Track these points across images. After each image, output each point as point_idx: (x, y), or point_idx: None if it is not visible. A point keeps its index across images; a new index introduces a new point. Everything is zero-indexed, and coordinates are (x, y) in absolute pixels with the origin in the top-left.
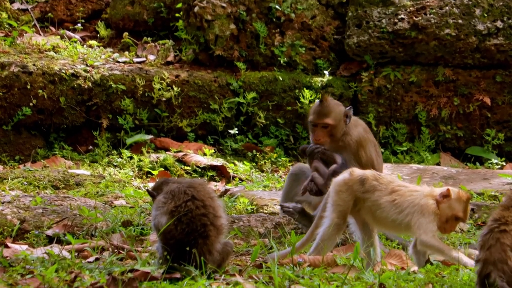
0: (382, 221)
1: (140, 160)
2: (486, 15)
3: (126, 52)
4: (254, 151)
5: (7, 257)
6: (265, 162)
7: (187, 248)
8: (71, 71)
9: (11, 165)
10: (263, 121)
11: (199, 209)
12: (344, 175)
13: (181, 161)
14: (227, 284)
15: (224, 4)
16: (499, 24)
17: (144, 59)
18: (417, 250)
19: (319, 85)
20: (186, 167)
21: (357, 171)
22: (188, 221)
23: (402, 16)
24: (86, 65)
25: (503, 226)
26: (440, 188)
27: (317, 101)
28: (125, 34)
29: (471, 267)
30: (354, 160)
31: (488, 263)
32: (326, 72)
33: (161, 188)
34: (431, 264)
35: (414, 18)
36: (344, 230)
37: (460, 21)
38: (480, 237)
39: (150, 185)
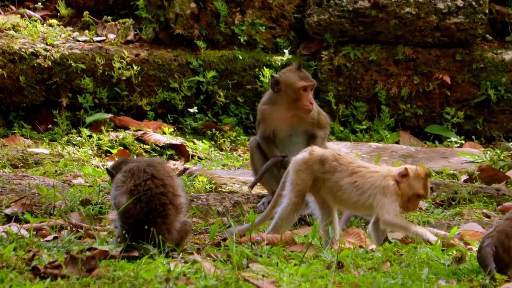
0: (343, 202)
1: (99, 139)
2: None
3: (86, 31)
4: (213, 129)
5: None
6: (224, 141)
7: (146, 227)
8: (31, 50)
9: None
10: (223, 99)
11: (158, 188)
12: (303, 154)
13: (140, 139)
14: (185, 262)
15: None
16: (459, 2)
17: (104, 38)
18: (376, 228)
19: (279, 63)
20: (145, 146)
21: (317, 151)
22: (148, 200)
23: None
24: (46, 44)
25: None
26: (398, 168)
27: (290, 68)
28: (86, 13)
29: (434, 242)
30: (318, 127)
31: (496, 229)
32: (286, 51)
33: (120, 167)
34: (389, 242)
35: None
36: (302, 208)
37: None
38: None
39: (109, 163)
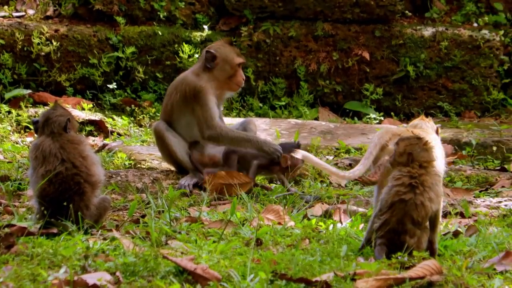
0: None
1: (18, 115)
2: None
3: (6, 7)
4: (132, 105)
5: None
6: (143, 117)
7: (65, 203)
8: None
9: None
10: (142, 75)
11: (70, 170)
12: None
13: None
14: (104, 239)
15: None
16: None
17: (24, 13)
18: None
19: (199, 39)
20: None
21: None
22: (60, 181)
23: None
24: None
25: (419, 198)
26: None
27: (223, 43)
28: None
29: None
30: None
31: (383, 226)
32: (205, 26)
33: (47, 117)
34: (308, 219)
35: None
36: None
37: None
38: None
39: (29, 140)
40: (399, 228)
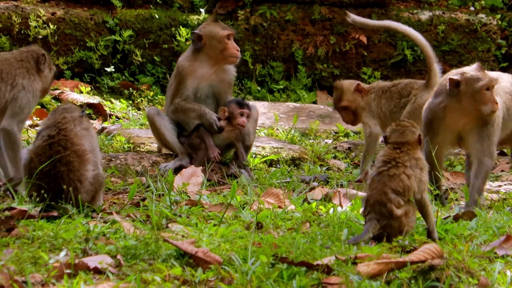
0: None
1: None
2: None
3: None
4: (130, 89)
5: None
6: (141, 100)
7: (53, 176)
8: None
9: None
10: (140, 59)
11: (46, 141)
12: None
13: (57, 98)
14: (105, 222)
15: None
16: None
17: None
18: None
19: (196, 23)
20: None
21: None
22: (41, 154)
23: None
24: None
25: (392, 170)
26: None
27: (207, 22)
28: None
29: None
30: (230, 93)
31: (368, 204)
32: (202, 10)
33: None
34: (309, 203)
35: None
36: None
37: None
38: (369, 176)
39: (27, 122)
40: (383, 198)
